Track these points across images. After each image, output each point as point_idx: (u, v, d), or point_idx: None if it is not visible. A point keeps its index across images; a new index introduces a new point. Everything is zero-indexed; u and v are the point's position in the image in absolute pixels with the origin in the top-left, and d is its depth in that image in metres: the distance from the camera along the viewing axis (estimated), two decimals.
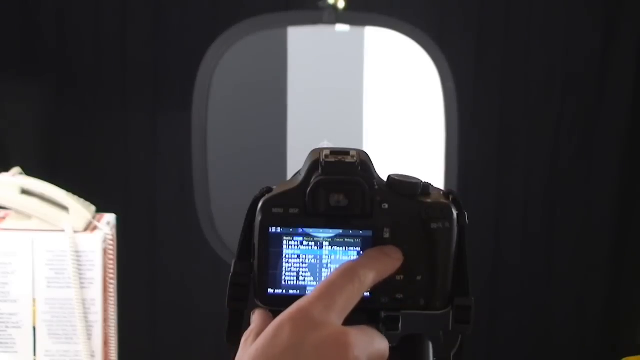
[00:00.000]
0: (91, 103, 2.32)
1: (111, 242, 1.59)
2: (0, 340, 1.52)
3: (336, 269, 0.52)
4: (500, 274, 2.49)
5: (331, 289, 0.51)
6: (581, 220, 2.51)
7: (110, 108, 2.31)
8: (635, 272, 2.54)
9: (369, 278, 0.52)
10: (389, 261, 0.54)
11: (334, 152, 0.53)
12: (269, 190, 0.55)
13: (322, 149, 0.55)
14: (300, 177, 0.55)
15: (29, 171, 1.62)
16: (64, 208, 1.56)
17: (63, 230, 1.52)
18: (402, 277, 0.54)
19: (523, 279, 2.44)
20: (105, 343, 1.57)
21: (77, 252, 1.52)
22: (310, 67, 2.78)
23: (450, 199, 0.54)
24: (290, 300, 0.55)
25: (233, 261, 0.56)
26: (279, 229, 0.54)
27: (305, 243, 0.55)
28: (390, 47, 2.95)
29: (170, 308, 2.46)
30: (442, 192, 0.55)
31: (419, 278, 0.54)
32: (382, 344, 0.52)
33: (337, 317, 0.50)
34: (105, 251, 1.55)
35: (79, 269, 1.52)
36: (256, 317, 0.55)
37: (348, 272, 0.52)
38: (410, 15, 2.38)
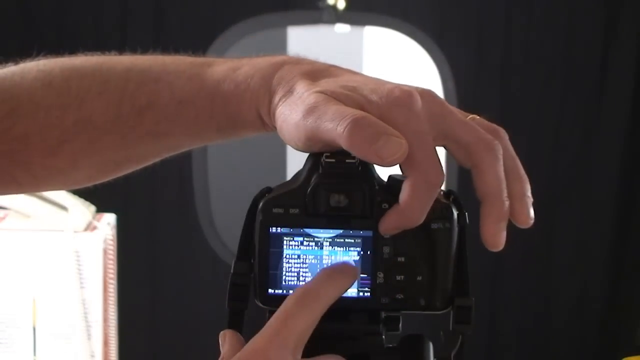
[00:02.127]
0: None
1: (111, 242, 1.59)
2: (0, 340, 1.52)
3: (290, 295, 0.52)
4: (500, 274, 2.49)
5: (287, 322, 0.50)
6: (581, 221, 2.51)
7: None
8: (635, 272, 2.54)
9: (324, 301, 0.52)
10: (344, 279, 0.53)
11: (335, 152, 0.53)
12: (269, 190, 0.55)
13: None
14: (301, 178, 0.54)
15: None
16: (64, 208, 1.56)
17: (63, 230, 1.52)
18: (402, 277, 0.54)
19: (523, 279, 2.44)
20: (105, 343, 1.57)
21: (77, 252, 1.52)
22: None
23: (451, 199, 0.54)
24: None
25: (233, 261, 0.56)
26: (279, 229, 0.54)
27: (305, 243, 0.54)
28: (390, 47, 2.95)
29: (170, 308, 2.46)
30: (442, 192, 0.55)
31: (419, 278, 0.54)
32: None
33: (294, 353, 0.50)
34: (105, 251, 1.55)
35: (79, 269, 1.52)
36: (227, 343, 0.54)
37: (302, 299, 0.51)
38: (410, 15, 2.39)
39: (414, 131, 0.50)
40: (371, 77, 0.55)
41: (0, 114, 0.58)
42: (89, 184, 0.63)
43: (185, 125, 0.58)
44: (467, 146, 0.53)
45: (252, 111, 0.56)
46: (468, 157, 0.53)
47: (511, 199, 0.53)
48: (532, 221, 0.54)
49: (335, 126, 0.50)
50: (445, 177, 0.51)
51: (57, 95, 0.59)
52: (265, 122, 0.56)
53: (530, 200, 0.55)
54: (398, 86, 0.52)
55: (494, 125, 0.55)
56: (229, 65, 0.58)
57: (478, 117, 0.55)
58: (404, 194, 0.51)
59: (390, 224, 0.52)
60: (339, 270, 0.53)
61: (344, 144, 0.50)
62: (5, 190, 0.62)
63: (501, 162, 0.53)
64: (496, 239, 0.53)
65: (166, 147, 0.61)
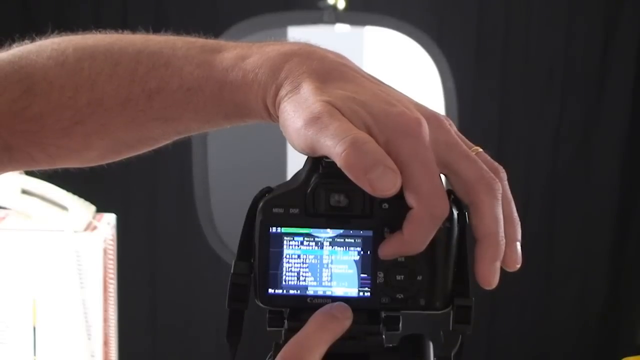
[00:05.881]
0: None
1: (111, 242, 1.59)
2: (0, 340, 1.52)
3: (284, 349, 0.52)
4: (500, 273, 2.48)
5: None
6: (581, 220, 2.51)
7: None
8: (635, 272, 2.54)
9: (318, 353, 0.52)
10: (338, 325, 0.53)
11: None
12: (270, 190, 0.55)
13: None
14: (301, 178, 0.54)
15: (29, 171, 1.63)
16: (64, 208, 1.56)
17: (63, 230, 1.52)
18: (402, 277, 0.54)
19: (523, 279, 2.44)
20: (105, 343, 1.57)
21: (77, 252, 1.52)
22: None
23: (451, 198, 0.54)
24: (290, 300, 0.55)
25: (233, 261, 0.56)
26: (279, 229, 0.54)
27: (305, 243, 0.54)
28: (390, 47, 2.95)
29: (170, 308, 2.46)
30: None
31: (419, 278, 0.54)
32: None
33: None
34: (105, 251, 1.55)
35: (79, 269, 1.52)
36: None
37: (296, 356, 0.52)
38: (410, 15, 2.39)
39: (421, 162, 0.50)
40: (382, 88, 0.54)
41: (17, 93, 0.59)
42: (103, 163, 0.64)
43: (194, 111, 0.58)
44: (468, 182, 0.53)
45: (258, 101, 0.56)
46: (467, 193, 0.53)
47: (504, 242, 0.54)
48: (518, 265, 0.55)
49: (334, 144, 0.50)
50: (449, 209, 0.51)
51: (70, 75, 0.59)
52: (271, 112, 0.56)
53: (519, 244, 0.55)
54: (408, 111, 0.52)
55: (495, 164, 0.55)
56: (238, 53, 0.58)
57: (481, 150, 0.55)
58: (408, 225, 0.51)
59: (390, 250, 0.53)
60: (332, 315, 0.54)
61: (340, 164, 0.50)
62: (23, 167, 0.63)
63: (500, 203, 0.53)
64: (490, 278, 0.53)
65: (175, 131, 0.61)
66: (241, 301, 0.56)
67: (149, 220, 2.40)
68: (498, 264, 0.54)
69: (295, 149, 0.53)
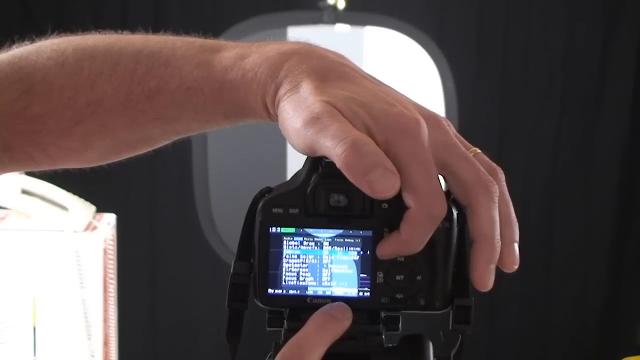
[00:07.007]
0: None
1: (111, 242, 1.59)
2: (0, 340, 1.52)
3: (283, 349, 0.52)
4: (500, 273, 2.48)
5: None
6: (581, 221, 2.51)
7: None
8: (635, 272, 2.54)
9: (317, 354, 0.53)
10: (337, 325, 0.54)
11: None
12: (269, 190, 0.55)
13: None
14: (301, 178, 0.54)
15: (29, 171, 1.62)
16: (64, 208, 1.56)
17: (63, 230, 1.52)
18: (402, 277, 0.54)
19: (523, 279, 2.44)
20: (105, 343, 1.57)
21: (77, 252, 1.52)
22: None
23: (450, 198, 0.54)
24: (290, 300, 0.55)
25: (233, 261, 0.56)
26: (279, 229, 0.54)
27: (305, 243, 0.54)
28: (390, 47, 2.95)
29: (170, 308, 2.46)
30: None
31: (419, 278, 0.54)
32: None
33: None
34: (105, 251, 1.55)
35: (79, 269, 1.52)
36: None
37: (296, 356, 0.52)
38: (410, 15, 2.39)
39: (419, 162, 0.50)
40: (381, 88, 0.55)
41: (18, 93, 0.59)
42: (103, 163, 0.64)
43: (194, 111, 0.58)
44: (465, 184, 0.53)
45: (258, 101, 0.56)
46: (464, 195, 0.53)
47: (500, 244, 0.54)
48: (516, 267, 0.55)
49: (334, 145, 0.50)
50: (447, 209, 0.51)
51: (69, 75, 0.59)
52: (271, 112, 0.56)
53: (517, 245, 0.56)
54: (407, 111, 0.52)
55: (494, 165, 0.55)
56: (238, 52, 0.58)
57: (480, 151, 0.55)
58: (406, 225, 0.51)
59: (389, 250, 0.53)
60: (332, 316, 0.54)
61: (339, 165, 0.50)
62: (23, 167, 0.63)
63: (497, 205, 0.53)
64: (486, 280, 0.54)
65: (175, 130, 0.61)
66: (241, 301, 0.56)
67: (149, 220, 2.40)
68: (493, 266, 0.54)
69: (295, 149, 0.53)
